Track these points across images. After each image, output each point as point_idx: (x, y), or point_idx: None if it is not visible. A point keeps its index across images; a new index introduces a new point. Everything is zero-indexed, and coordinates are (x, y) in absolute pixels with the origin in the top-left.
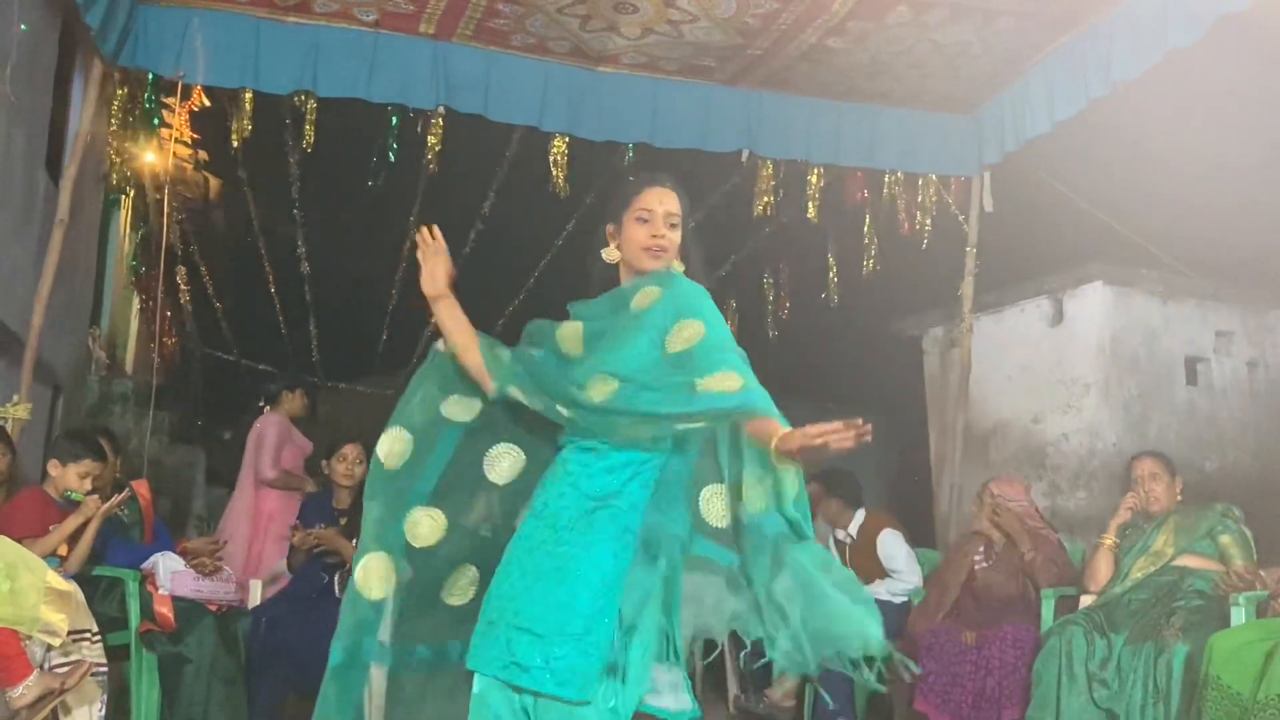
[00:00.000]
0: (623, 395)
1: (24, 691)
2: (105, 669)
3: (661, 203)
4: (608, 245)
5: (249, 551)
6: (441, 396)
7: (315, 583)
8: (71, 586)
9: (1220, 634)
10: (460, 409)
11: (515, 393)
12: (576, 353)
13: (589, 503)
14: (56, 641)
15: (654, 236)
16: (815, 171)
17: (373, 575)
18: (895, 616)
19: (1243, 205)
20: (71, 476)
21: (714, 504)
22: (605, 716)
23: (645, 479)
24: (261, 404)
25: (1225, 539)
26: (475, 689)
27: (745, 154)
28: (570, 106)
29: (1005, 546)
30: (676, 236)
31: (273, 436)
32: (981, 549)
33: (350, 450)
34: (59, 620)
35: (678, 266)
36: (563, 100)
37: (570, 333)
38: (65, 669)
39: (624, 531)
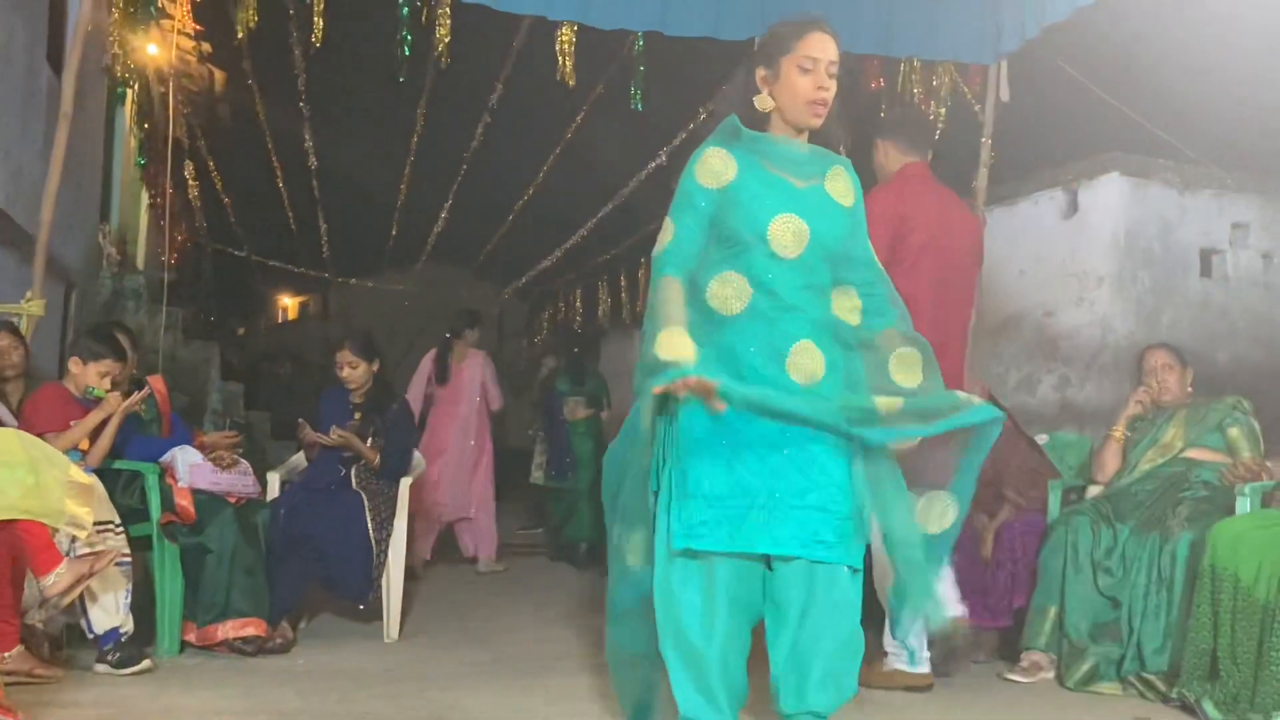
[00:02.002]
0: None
1: (56, 579)
2: (129, 559)
3: (825, 51)
4: (759, 92)
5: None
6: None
7: (332, 475)
8: (92, 480)
9: (1222, 523)
10: None
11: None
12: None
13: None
14: (83, 534)
15: (819, 89)
16: None
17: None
18: None
19: (1264, 95)
20: (92, 374)
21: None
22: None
23: None
24: (448, 335)
25: (1234, 431)
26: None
27: (758, 42)
28: None
29: None
30: (834, 88)
31: (493, 371)
32: None
33: (341, 356)
34: (84, 513)
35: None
36: None
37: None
38: (92, 556)
39: None
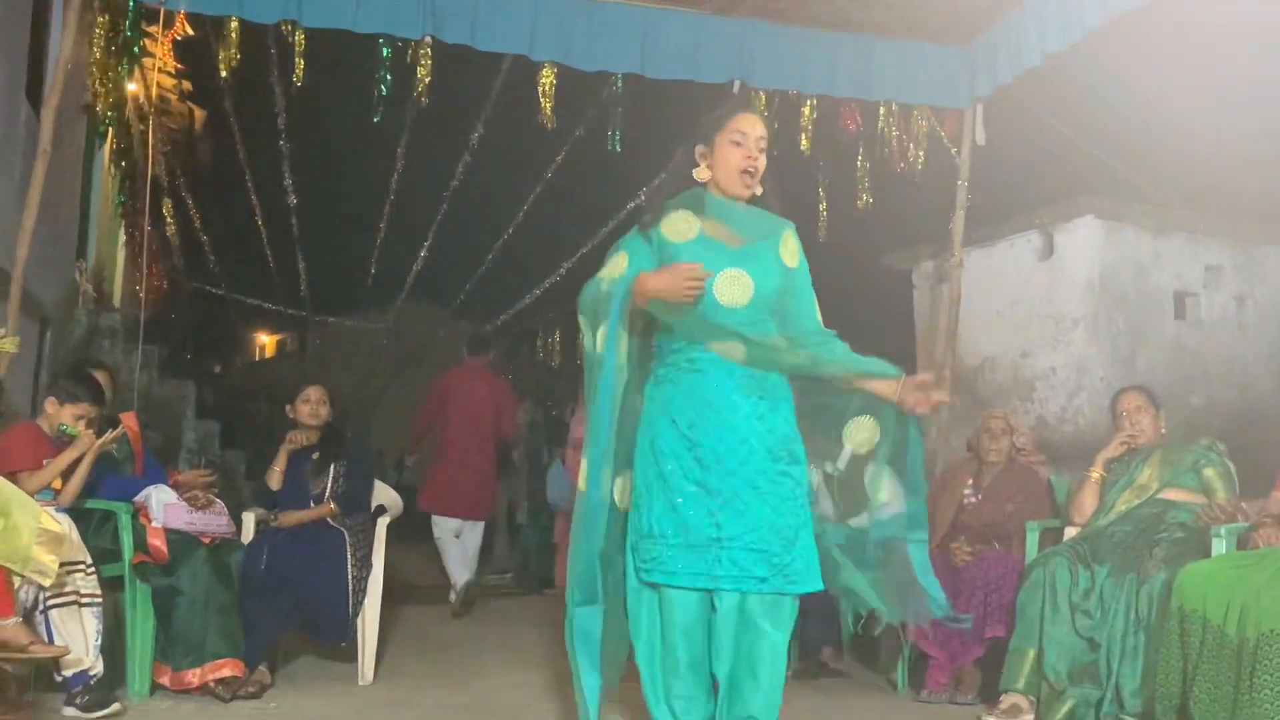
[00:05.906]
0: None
1: None
2: (100, 600)
3: (754, 127)
4: (698, 165)
5: None
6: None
7: None
8: (64, 527)
9: (1190, 565)
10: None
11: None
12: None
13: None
14: (47, 581)
15: (748, 158)
16: (808, 103)
17: None
18: None
19: (1235, 140)
20: (67, 416)
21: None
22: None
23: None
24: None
25: (1209, 472)
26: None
27: (737, 85)
28: (560, 36)
29: (993, 480)
30: (764, 162)
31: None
32: (970, 482)
33: (313, 393)
34: (49, 561)
35: (758, 190)
36: (552, 30)
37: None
38: (35, 640)
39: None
